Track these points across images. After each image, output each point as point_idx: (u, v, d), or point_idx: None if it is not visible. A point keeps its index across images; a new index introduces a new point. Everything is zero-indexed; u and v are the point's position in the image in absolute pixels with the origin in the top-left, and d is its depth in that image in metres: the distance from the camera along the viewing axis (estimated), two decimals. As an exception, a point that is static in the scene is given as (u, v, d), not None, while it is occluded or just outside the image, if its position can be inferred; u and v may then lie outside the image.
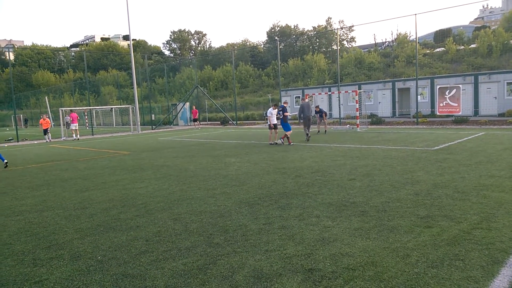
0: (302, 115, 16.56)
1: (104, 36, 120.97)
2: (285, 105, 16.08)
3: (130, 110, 32.89)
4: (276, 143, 15.58)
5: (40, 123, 26.52)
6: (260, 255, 4.23)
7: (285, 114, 15.65)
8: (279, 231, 4.97)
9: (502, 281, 3.39)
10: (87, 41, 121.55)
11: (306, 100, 17.23)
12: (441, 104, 22.64)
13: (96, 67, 79.56)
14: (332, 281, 3.55)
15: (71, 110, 30.73)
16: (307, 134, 16.52)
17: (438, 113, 23.64)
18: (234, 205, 6.38)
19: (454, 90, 22.23)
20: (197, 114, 32.34)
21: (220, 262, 4.10)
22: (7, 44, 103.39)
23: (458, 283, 3.39)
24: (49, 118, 29.73)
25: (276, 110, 16.35)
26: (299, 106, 19.86)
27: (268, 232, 4.97)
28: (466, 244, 4.23)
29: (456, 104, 22.11)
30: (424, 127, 21.14)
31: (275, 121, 16.16)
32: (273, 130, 15.98)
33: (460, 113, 22.45)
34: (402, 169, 8.79)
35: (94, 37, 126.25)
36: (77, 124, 26.65)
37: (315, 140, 16.62)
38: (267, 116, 17.24)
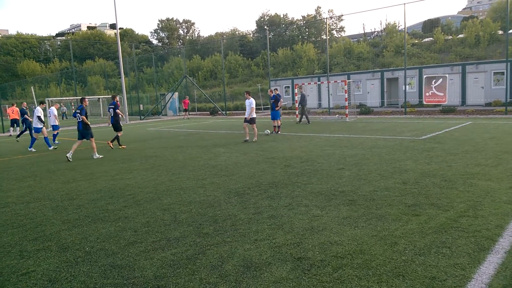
0: (303, 103, 19.18)
1: (90, 25, 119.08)
2: (272, 93, 16.06)
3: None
4: (246, 141, 13.33)
5: (7, 112, 24.14)
6: (249, 244, 4.23)
7: (281, 102, 15.73)
8: (268, 221, 4.97)
9: (488, 268, 3.44)
10: (73, 30, 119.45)
11: (302, 91, 19.31)
12: (427, 94, 22.80)
13: (82, 57, 78.27)
14: (321, 269, 3.57)
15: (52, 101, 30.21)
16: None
17: (424, 103, 23.83)
18: (223, 195, 6.37)
19: (441, 80, 22.38)
20: (188, 104, 32.14)
21: (210, 252, 4.09)
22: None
23: (445, 270, 3.43)
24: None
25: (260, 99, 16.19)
26: (300, 95, 20.16)
27: (258, 221, 4.97)
28: (453, 232, 4.29)
29: (442, 94, 22.27)
30: (412, 116, 21.31)
31: (253, 115, 13.60)
32: (249, 124, 13.50)
33: (446, 103, 22.66)
34: (390, 159, 8.85)
35: (80, 26, 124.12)
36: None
37: (304, 129, 16.66)
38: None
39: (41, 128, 14.74)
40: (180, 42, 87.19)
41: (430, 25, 52.81)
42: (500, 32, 40.70)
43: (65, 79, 64.73)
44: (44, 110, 15.98)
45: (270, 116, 16.67)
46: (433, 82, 22.65)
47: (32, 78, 67.36)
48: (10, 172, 9.93)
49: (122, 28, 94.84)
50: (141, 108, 37.32)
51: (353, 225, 4.64)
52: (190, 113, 38.04)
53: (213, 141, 14.24)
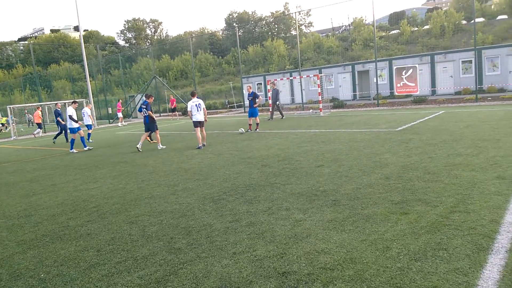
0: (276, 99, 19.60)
1: (54, 28, 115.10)
2: (249, 90, 15.61)
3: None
4: (201, 147, 11.80)
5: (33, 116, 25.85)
6: (227, 259, 3.78)
7: (260, 99, 15.35)
8: (247, 229, 4.54)
9: (492, 271, 3.12)
10: (36, 33, 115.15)
11: (275, 87, 19.58)
12: (399, 85, 22.87)
13: (47, 61, 75.48)
14: (309, 285, 3.17)
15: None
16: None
17: (396, 94, 23.91)
18: (197, 202, 5.89)
19: (411, 70, 22.46)
20: (174, 102, 31.40)
21: (182, 271, 3.62)
22: None
23: (445, 277, 3.09)
24: None
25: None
26: (273, 91, 20.02)
27: (235, 230, 4.52)
28: (446, 231, 3.97)
29: (414, 84, 22.37)
30: (385, 108, 21.32)
31: (200, 118, 11.89)
32: (199, 128, 11.94)
33: (418, 93, 22.81)
34: (369, 152, 8.58)
35: (43, 29, 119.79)
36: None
37: (279, 126, 16.30)
38: (190, 110, 12.04)
39: (77, 128, 14.13)
40: (148, 42, 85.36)
41: (396, 18, 53.60)
42: (464, 22, 41.60)
43: (29, 84, 62.21)
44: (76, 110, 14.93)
45: (243, 114, 16.18)
46: (403, 73, 22.72)
47: (-5, 85, 64.48)
48: (-37, 188, 9.11)
49: (87, 30, 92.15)
50: (110, 112, 36.14)
51: (339, 229, 4.26)
52: (161, 114, 37.14)
53: (185, 142, 13.67)
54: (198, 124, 11.98)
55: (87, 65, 30.32)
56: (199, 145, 11.86)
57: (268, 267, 3.53)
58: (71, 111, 14.18)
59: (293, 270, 3.43)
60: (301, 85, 27.81)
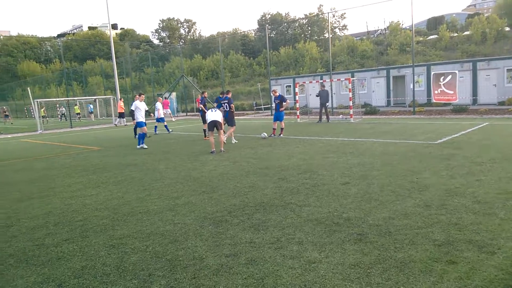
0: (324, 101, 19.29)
1: (92, 25, 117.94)
2: (275, 94, 14.59)
3: (112, 100, 31.24)
4: (214, 152, 10.94)
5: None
6: (210, 317, 2.84)
7: (287, 102, 14.30)
8: (245, 270, 3.58)
9: None
10: (74, 30, 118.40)
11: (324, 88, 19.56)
12: (436, 92, 21.23)
13: (83, 57, 77.27)
14: None
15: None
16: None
17: (434, 101, 22.28)
18: (195, 223, 4.98)
19: (450, 77, 20.75)
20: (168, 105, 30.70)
21: (146, 334, 2.71)
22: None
23: None
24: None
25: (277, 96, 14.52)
26: (320, 92, 19.51)
27: (230, 271, 3.58)
28: (513, 297, 2.88)
29: (452, 92, 20.66)
30: (421, 117, 19.82)
31: (215, 117, 10.93)
32: (220, 131, 11.09)
33: (457, 101, 21.11)
34: (404, 169, 7.43)
35: (81, 26, 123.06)
36: None
37: (305, 132, 15.23)
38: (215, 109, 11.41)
39: (143, 122, 13.22)
40: (182, 42, 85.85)
41: (434, 23, 51.28)
42: (507, 28, 39.14)
43: (66, 79, 63.66)
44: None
45: (270, 117, 15.21)
46: (441, 79, 21.07)
47: (32, 78, 66.25)
48: (-37, 186, 8.60)
49: (123, 29, 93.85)
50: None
51: (364, 281, 3.24)
52: (188, 113, 36.74)
53: (203, 146, 12.84)
54: (212, 125, 10.96)
55: (122, 62, 30.56)
56: (212, 150, 11.02)
57: (261, 338, 2.57)
58: (137, 104, 13.29)
59: None
60: (331, 89, 26.55)
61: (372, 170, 7.49)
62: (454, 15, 59.46)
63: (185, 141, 14.65)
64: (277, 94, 14.64)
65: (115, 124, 27.16)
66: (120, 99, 28.26)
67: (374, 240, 4.07)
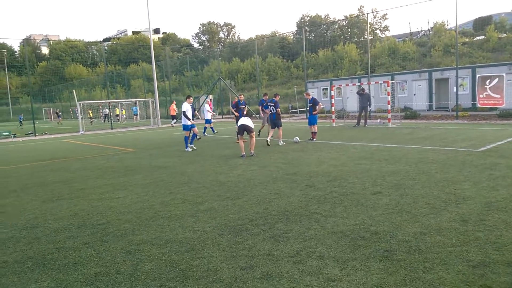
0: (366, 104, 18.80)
1: (136, 30, 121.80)
2: (308, 97, 14.39)
3: (150, 103, 31.95)
4: (244, 156, 10.89)
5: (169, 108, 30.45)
6: (214, 338, 2.66)
7: (320, 105, 14.00)
8: (259, 285, 3.38)
9: None
10: (119, 35, 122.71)
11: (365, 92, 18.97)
12: (481, 96, 20.07)
13: (127, 61, 79.85)
14: None
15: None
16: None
17: (479, 106, 21.09)
18: (214, 231, 4.84)
19: (496, 80, 19.55)
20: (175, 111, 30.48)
21: None
22: (42, 39, 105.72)
23: None
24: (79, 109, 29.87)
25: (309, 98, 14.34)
26: (361, 97, 19.03)
27: (244, 285, 3.39)
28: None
29: (499, 96, 19.44)
30: (465, 122, 18.82)
31: (245, 122, 11.12)
32: (251, 135, 11.18)
33: (503, 106, 19.85)
34: (442, 179, 6.96)
35: (126, 31, 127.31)
36: None
37: (339, 136, 14.81)
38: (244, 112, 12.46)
39: (191, 125, 13.10)
40: (221, 45, 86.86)
41: (481, 23, 48.82)
42: (562, 30, 36.59)
43: (110, 82, 65.95)
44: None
45: (305, 121, 14.93)
46: (487, 83, 19.90)
47: (78, 81, 69.12)
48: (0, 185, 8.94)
49: (165, 33, 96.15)
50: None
51: (386, 305, 2.95)
52: (223, 116, 36.93)
53: (234, 149, 12.74)
54: (242, 129, 10.99)
55: (163, 66, 31.47)
56: (242, 153, 10.91)
57: None
58: (186, 106, 13.13)
59: None
60: (369, 92, 25.81)
61: (406, 179, 7.07)
62: (503, 15, 56.36)
63: (217, 144, 14.64)
64: (310, 97, 14.36)
65: (171, 124, 28.64)
66: (173, 102, 30.44)
67: (402, 258, 3.75)
